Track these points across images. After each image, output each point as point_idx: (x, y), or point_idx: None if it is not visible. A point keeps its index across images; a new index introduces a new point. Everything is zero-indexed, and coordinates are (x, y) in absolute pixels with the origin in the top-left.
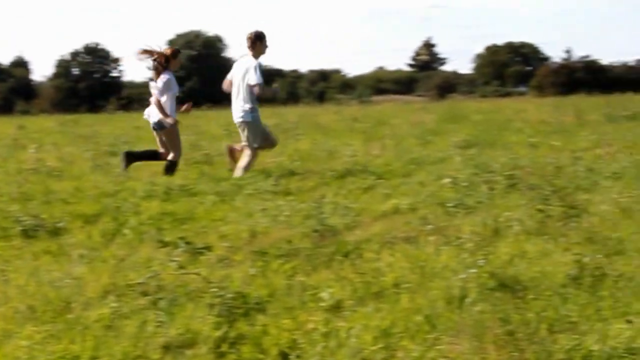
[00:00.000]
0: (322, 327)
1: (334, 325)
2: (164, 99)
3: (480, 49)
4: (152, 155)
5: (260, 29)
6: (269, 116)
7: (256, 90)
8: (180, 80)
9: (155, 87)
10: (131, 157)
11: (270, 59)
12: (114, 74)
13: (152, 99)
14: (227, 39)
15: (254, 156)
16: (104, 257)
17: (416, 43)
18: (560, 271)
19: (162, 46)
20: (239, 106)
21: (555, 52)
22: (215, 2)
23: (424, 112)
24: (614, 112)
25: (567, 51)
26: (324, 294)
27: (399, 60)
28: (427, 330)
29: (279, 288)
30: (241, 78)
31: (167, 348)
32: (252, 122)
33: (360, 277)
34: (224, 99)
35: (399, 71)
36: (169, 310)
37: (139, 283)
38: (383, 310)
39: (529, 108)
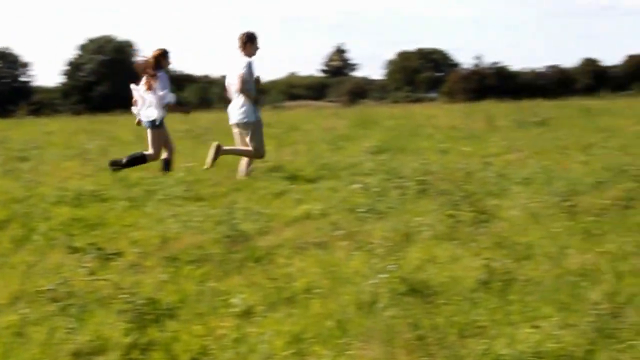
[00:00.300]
0: (233, 333)
1: (245, 331)
2: (163, 93)
3: (391, 55)
4: (140, 160)
5: (251, 30)
6: (180, 122)
7: (237, 84)
8: (90, 85)
9: (143, 92)
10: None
11: (181, 65)
12: (24, 78)
13: (145, 99)
14: (138, 44)
15: (256, 155)
16: (13, 263)
17: (328, 49)
18: (470, 276)
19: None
20: (238, 106)
21: (465, 59)
22: (126, 7)
23: (335, 117)
24: (523, 118)
25: (477, 57)
26: (235, 300)
27: (311, 66)
28: (338, 336)
29: (190, 294)
30: (237, 78)
31: (76, 355)
32: (251, 123)
33: (272, 283)
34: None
35: (311, 77)
36: (79, 316)
37: (48, 289)
38: (294, 315)
39: (440, 114)
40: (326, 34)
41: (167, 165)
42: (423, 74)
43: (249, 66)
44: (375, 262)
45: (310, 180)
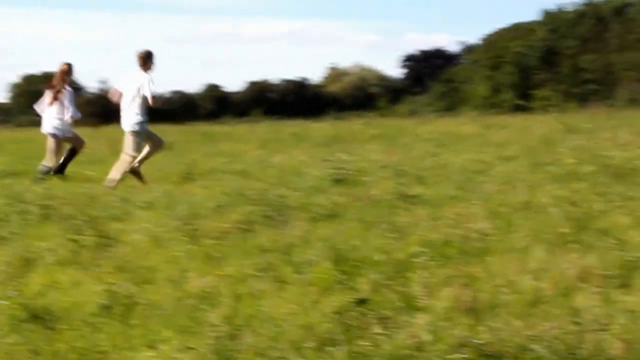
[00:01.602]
0: None
1: None
2: (71, 108)
3: (16, 78)
4: (71, 155)
5: (148, 48)
6: None
7: (151, 101)
8: None
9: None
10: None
11: None
12: None
13: (46, 111)
14: None
15: (129, 162)
16: None
17: None
18: (92, 301)
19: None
20: (132, 116)
21: (90, 82)
22: None
23: None
24: None
25: (103, 82)
26: None
27: None
28: None
29: None
30: (136, 91)
31: None
32: (140, 132)
33: None
34: None
35: None
36: None
37: None
38: None
39: None
40: None
41: (49, 170)
42: None
43: (152, 82)
44: None
45: None
